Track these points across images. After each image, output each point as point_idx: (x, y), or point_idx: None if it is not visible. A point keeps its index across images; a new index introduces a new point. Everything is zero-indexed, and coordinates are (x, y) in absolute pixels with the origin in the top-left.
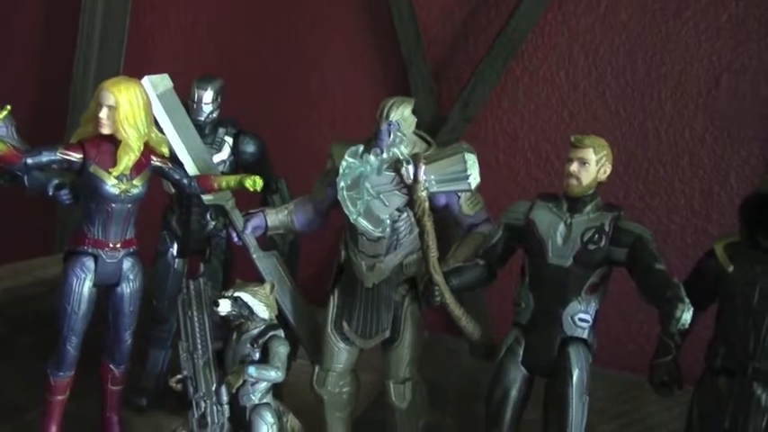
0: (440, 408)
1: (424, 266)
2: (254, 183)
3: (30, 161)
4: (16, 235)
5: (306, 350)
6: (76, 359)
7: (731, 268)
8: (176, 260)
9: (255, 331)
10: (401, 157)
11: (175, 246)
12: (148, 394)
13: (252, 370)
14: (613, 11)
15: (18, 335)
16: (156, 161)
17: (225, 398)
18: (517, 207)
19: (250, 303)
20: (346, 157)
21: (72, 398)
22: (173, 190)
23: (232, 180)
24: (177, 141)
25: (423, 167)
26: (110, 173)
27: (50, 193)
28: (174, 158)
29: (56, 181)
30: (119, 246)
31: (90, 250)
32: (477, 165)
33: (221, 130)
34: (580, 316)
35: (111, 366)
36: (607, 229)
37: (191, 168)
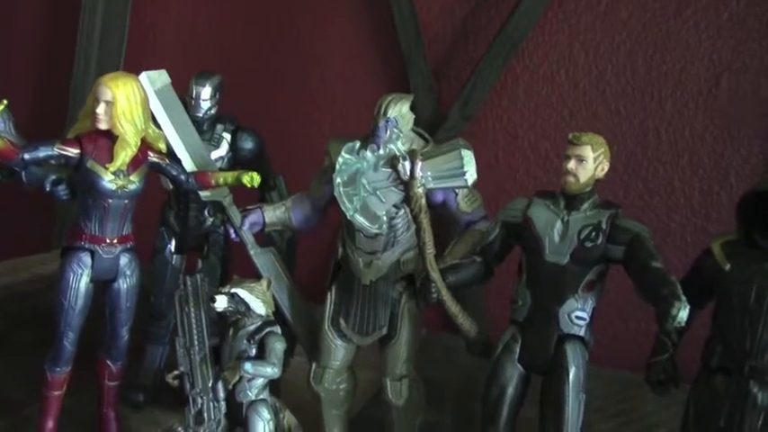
0: (438, 406)
1: (421, 263)
2: (252, 179)
3: (27, 156)
4: (15, 231)
5: (303, 347)
6: (73, 354)
7: (728, 267)
8: (174, 256)
9: (252, 327)
10: (398, 154)
11: (173, 242)
12: (146, 390)
13: (248, 366)
14: (614, 9)
15: (16, 331)
16: (153, 157)
17: (221, 394)
18: (515, 204)
19: (247, 299)
20: (343, 153)
21: (69, 393)
22: (171, 186)
23: (229, 176)
24: (175, 137)
25: (419, 164)
26: (107, 168)
27: (47, 189)
28: (171, 154)
29: (53, 176)
30: (115, 241)
31: (87, 246)
32: (473, 161)
33: (219, 127)
34: (577, 314)
35: (108, 362)
36: (604, 226)
37: (188, 164)
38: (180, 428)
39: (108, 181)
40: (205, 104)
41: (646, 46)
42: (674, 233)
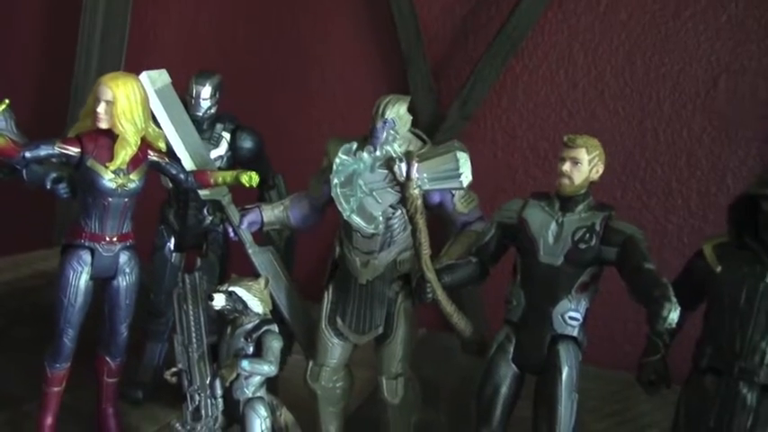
0: (434, 405)
1: (417, 263)
2: (251, 179)
3: (28, 154)
4: (17, 228)
5: (300, 345)
6: (73, 351)
7: (719, 268)
8: (173, 254)
9: (249, 326)
10: (394, 155)
11: (173, 240)
12: (145, 387)
13: (245, 364)
14: (613, 10)
15: (16, 326)
16: (153, 156)
17: (219, 391)
18: (510, 205)
19: (244, 298)
20: (340, 154)
21: (68, 390)
22: (170, 185)
23: (228, 176)
24: (174, 136)
25: (415, 165)
26: (107, 167)
27: (48, 187)
28: (171, 153)
29: (54, 174)
30: (115, 239)
31: (87, 244)
32: (469, 163)
33: (219, 126)
34: (570, 314)
35: (108, 359)
36: (598, 228)
37: (188, 163)
38: (178, 425)
39: (108, 179)
40: (205, 104)
41: (645, 47)
42: (672, 234)
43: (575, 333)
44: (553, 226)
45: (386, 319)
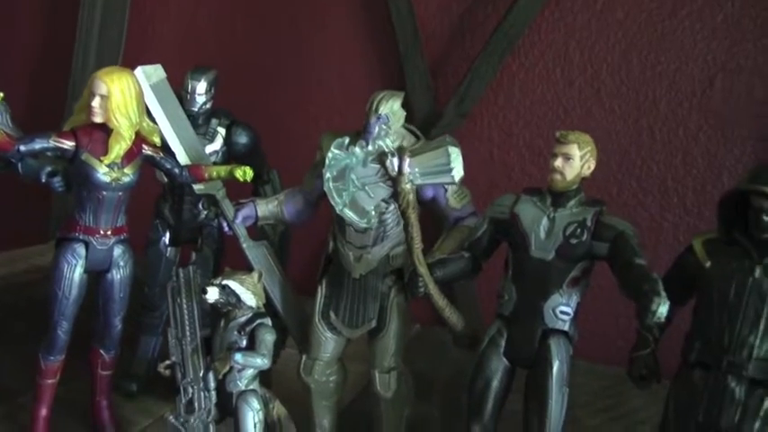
0: (427, 399)
1: (409, 257)
2: (245, 173)
3: (23, 148)
4: (13, 223)
5: (294, 339)
6: (67, 343)
7: (708, 264)
8: (168, 249)
9: (243, 319)
10: (386, 150)
11: (167, 234)
12: (139, 380)
13: (238, 357)
14: (610, 9)
15: (12, 321)
16: (147, 150)
17: (212, 384)
18: (502, 200)
19: (237, 291)
20: (332, 148)
21: (63, 382)
22: (165, 179)
23: (222, 170)
24: (169, 131)
25: (407, 160)
26: (101, 161)
27: (43, 180)
28: (165, 148)
29: (48, 168)
30: (109, 233)
31: (81, 237)
32: (460, 158)
33: (214, 121)
34: (561, 309)
35: (102, 351)
36: (589, 223)
37: (182, 158)
38: (171, 417)
39: (102, 173)
40: (200, 99)
41: (641, 46)
42: (667, 232)
43: (566, 327)
44: (545, 221)
45: (379, 313)
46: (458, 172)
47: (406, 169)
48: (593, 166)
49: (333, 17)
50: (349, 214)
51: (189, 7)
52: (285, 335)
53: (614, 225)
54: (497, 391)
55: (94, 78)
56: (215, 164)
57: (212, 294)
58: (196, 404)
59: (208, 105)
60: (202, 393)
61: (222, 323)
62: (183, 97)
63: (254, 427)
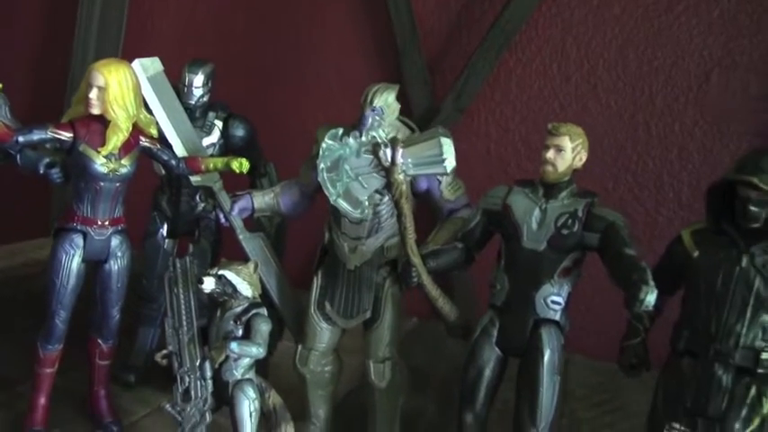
0: (423, 392)
1: (402, 248)
2: (241, 165)
3: (21, 139)
4: (14, 217)
5: (290, 330)
6: (65, 333)
7: (696, 254)
8: (166, 240)
9: (239, 309)
10: (379, 141)
11: (165, 226)
12: (137, 371)
13: (234, 346)
14: (607, 4)
15: (12, 313)
16: (144, 142)
17: (208, 373)
18: (495, 192)
19: (233, 281)
20: (326, 139)
21: (61, 372)
22: (163, 172)
23: (219, 162)
24: (166, 123)
25: (400, 151)
26: (99, 152)
27: (41, 172)
28: (162, 140)
29: (47, 159)
30: (107, 223)
31: (79, 227)
32: (452, 149)
33: (211, 114)
34: (552, 298)
35: (100, 341)
36: (580, 214)
37: (179, 150)
38: (168, 406)
39: (100, 164)
40: (197, 92)
41: (637, 41)
42: (662, 226)
43: (557, 317)
44: (537, 212)
45: (373, 303)
46: (450, 163)
47: (399, 160)
48: (584, 158)
49: (331, 12)
50: (343, 204)
51: (188, 2)
52: (281, 327)
53: (605, 216)
54: (489, 379)
55: (92, 70)
56: (212, 156)
57: (208, 284)
58: (193, 393)
59: (205, 98)
60: (199, 382)
61: (218, 313)
62: (181, 90)
63: (250, 415)
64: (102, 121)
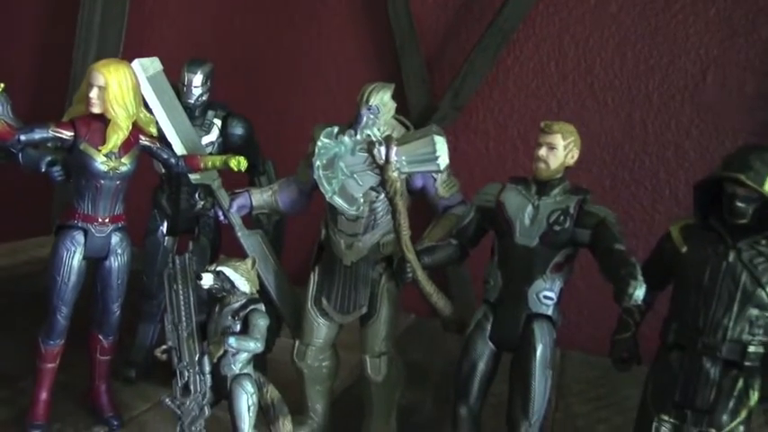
0: (421, 387)
1: (397, 244)
2: (239, 163)
3: (23, 137)
4: (17, 215)
5: (288, 326)
6: (66, 328)
7: (684, 249)
8: (166, 238)
9: (237, 305)
10: (374, 139)
11: (165, 224)
12: (138, 367)
13: (232, 340)
14: (603, 3)
15: (15, 310)
16: (144, 140)
17: (207, 367)
18: (489, 189)
19: (231, 277)
20: (321, 137)
21: (64, 369)
22: (163, 170)
23: (218, 160)
24: (166, 122)
25: (394, 149)
26: (99, 151)
27: (43, 170)
28: (162, 138)
29: (48, 158)
30: (107, 221)
31: (80, 224)
32: (446, 147)
33: (210, 113)
34: (545, 293)
35: (100, 337)
36: (572, 211)
37: (179, 148)
38: (168, 400)
39: (100, 162)
40: (197, 91)
41: (634, 40)
42: (659, 223)
43: (549, 312)
44: (529, 209)
45: (369, 299)
46: (443, 160)
47: (393, 157)
48: (576, 156)
49: (330, 11)
50: (338, 201)
51: (188, 3)
52: (280, 323)
53: (596, 213)
54: (483, 373)
55: (92, 70)
56: (210, 154)
57: (207, 280)
58: (192, 387)
59: (204, 97)
60: (198, 377)
61: (217, 309)
62: (180, 89)
63: (248, 409)
64: (103, 120)
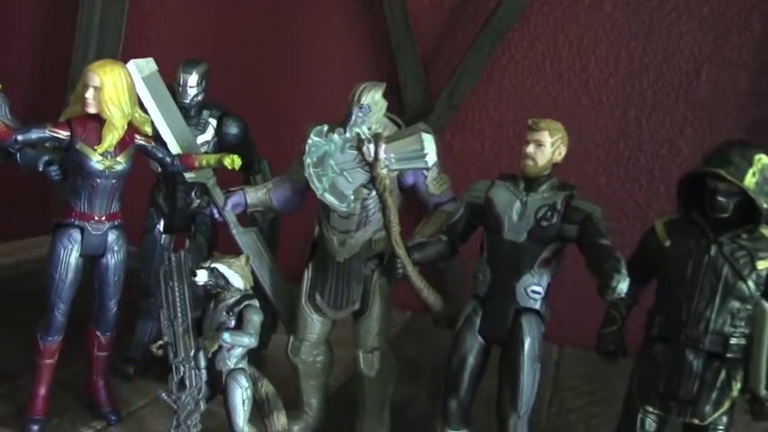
0: (415, 382)
1: (387, 240)
2: (233, 161)
3: (20, 137)
4: (18, 214)
5: (283, 323)
6: (64, 325)
7: (668, 243)
8: (162, 236)
9: (231, 300)
10: (363, 137)
11: (162, 222)
12: (136, 363)
13: (226, 336)
14: (598, 2)
15: (16, 308)
16: (139, 140)
17: (202, 362)
18: (478, 186)
19: (226, 274)
20: (312, 135)
21: (62, 365)
22: (159, 169)
23: (212, 158)
24: (161, 122)
25: (383, 146)
26: (95, 150)
27: (40, 169)
28: (157, 138)
29: (46, 157)
30: (104, 219)
31: (77, 222)
32: (433, 144)
33: (206, 113)
34: (533, 288)
35: (98, 333)
36: (559, 207)
37: (174, 147)
38: (164, 394)
39: (96, 161)
40: (192, 91)
41: (628, 38)
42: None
43: (537, 306)
44: (517, 205)
45: (362, 295)
46: (431, 157)
47: (382, 155)
48: (564, 153)
49: (326, 11)
50: (329, 198)
51: (186, 4)
52: (275, 320)
53: (583, 208)
54: (473, 367)
55: (88, 71)
56: (206, 153)
57: (202, 277)
58: (187, 382)
59: (199, 97)
60: (193, 372)
61: (212, 305)
62: (176, 90)
63: (243, 403)
64: (99, 120)
